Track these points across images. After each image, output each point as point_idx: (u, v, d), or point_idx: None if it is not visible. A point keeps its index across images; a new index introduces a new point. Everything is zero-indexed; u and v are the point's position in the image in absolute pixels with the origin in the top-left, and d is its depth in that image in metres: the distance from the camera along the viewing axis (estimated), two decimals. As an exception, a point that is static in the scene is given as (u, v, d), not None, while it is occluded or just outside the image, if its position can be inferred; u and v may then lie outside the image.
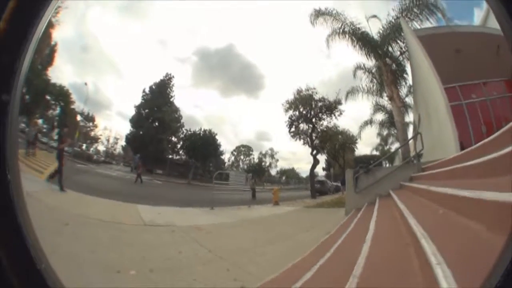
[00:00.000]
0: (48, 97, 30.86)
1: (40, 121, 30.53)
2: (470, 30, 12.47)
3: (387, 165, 19.69)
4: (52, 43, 29.34)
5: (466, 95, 12.63)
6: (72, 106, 34.13)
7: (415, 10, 14.20)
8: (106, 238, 5.00)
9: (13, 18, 0.73)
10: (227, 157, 41.20)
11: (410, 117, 23.06)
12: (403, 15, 14.49)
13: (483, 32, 11.99)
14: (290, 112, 23.92)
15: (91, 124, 40.67)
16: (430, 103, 11.67)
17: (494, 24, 12.39)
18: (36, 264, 0.77)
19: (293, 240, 6.11)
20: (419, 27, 13.94)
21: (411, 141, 14.04)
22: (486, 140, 4.00)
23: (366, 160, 20.37)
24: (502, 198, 1.64)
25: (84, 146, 37.86)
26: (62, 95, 32.26)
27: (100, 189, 11.47)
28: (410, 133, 18.18)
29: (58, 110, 33.02)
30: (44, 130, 30.61)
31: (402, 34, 14.61)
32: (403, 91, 19.09)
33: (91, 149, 39.75)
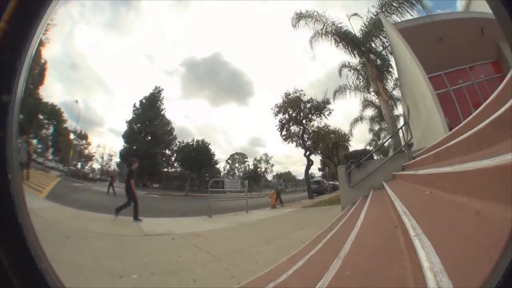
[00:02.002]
0: (41, 117, 30.72)
1: (34, 141, 30.27)
2: (451, 17, 12.61)
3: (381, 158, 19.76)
4: (42, 61, 29.26)
5: (452, 82, 12.84)
6: (65, 125, 33.99)
7: (394, 4, 14.30)
8: (107, 248, 5.07)
9: (13, 18, 0.73)
10: (222, 166, 41.05)
11: (399, 110, 23.39)
12: (383, 10, 14.61)
13: (464, 18, 12.26)
14: (280, 116, 23.93)
15: (84, 142, 40.43)
16: (417, 94, 11.81)
17: (477, 8, 12.66)
18: (36, 264, 0.78)
19: (288, 238, 6.08)
20: (399, 20, 14.02)
21: (401, 133, 14.21)
22: (469, 118, 4.07)
23: (356, 155, 20.42)
24: (481, 165, 1.65)
25: (79, 165, 37.58)
26: (54, 114, 32.17)
27: (98, 205, 11.36)
28: (401, 125, 18.34)
29: (51, 129, 32.86)
30: (39, 150, 30.39)
31: (383, 29, 14.75)
32: (390, 84, 19.43)
33: (86, 167, 39.45)
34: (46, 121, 31.77)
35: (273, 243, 5.73)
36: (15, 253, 0.74)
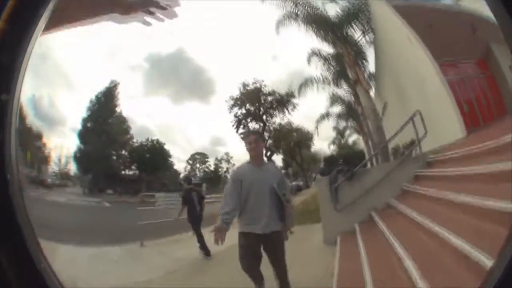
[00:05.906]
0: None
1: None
2: (445, 8, 11.42)
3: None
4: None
5: (444, 73, 11.42)
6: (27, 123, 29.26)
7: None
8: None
9: (12, 18, 0.72)
10: (182, 166, 38.11)
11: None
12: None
13: (456, 11, 11.17)
14: (236, 110, 21.50)
15: (40, 142, 35.44)
16: (410, 81, 10.35)
17: (469, 4, 11.49)
18: (36, 264, 0.78)
19: None
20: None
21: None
22: None
23: (335, 160, 17.90)
24: None
25: (37, 169, 32.76)
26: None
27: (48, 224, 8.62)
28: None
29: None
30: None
31: (367, 7, 13.07)
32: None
33: (47, 172, 34.61)
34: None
35: None
36: (15, 253, 0.74)
